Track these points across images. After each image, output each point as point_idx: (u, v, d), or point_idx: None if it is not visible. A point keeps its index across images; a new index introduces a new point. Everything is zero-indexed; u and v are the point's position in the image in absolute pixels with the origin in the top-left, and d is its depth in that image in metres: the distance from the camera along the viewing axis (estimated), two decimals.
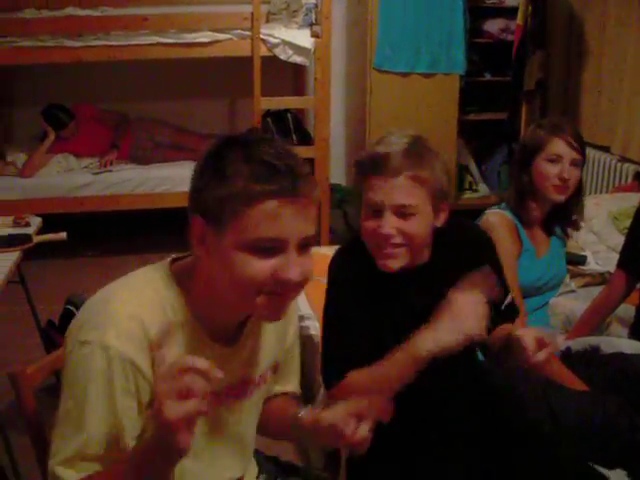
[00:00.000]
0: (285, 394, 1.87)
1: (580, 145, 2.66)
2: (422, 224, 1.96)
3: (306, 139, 5.89)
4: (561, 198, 2.67)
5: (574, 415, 2.29)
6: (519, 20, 5.56)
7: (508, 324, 2.13)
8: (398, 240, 1.95)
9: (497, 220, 2.65)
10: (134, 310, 1.42)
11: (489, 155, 6.53)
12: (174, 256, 1.57)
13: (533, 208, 2.76)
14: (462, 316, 1.74)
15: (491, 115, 6.29)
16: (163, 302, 1.46)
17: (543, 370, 1.82)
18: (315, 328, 3.05)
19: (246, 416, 1.68)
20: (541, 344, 1.76)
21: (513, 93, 5.80)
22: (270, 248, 1.39)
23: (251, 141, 1.42)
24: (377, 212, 1.96)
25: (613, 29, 5.35)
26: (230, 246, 1.39)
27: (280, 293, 1.44)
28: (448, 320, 1.75)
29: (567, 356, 2.69)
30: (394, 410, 1.61)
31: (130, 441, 1.41)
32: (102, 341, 1.37)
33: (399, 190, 1.92)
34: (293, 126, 5.85)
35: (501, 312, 2.16)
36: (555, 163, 2.64)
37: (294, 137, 5.85)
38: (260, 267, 1.39)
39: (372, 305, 1.99)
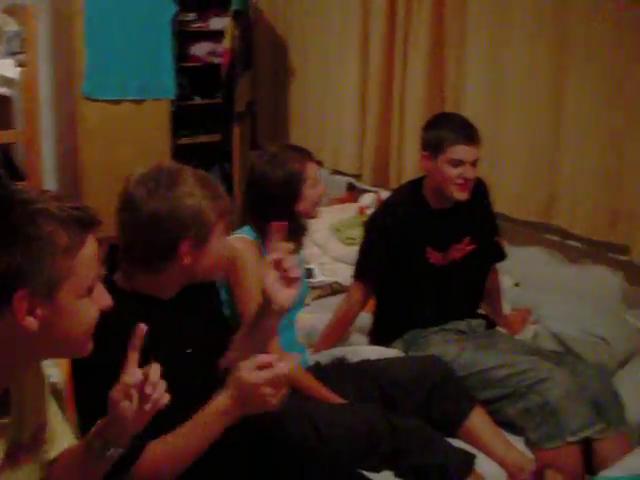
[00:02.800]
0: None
1: None
2: None
3: (17, 174, 5.60)
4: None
5: (337, 427, 2.37)
6: (226, 43, 5.65)
7: None
8: None
9: (243, 246, 2.63)
10: None
11: None
12: None
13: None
14: (250, 401, 1.72)
15: (204, 138, 6.34)
16: None
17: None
18: (57, 375, 2.91)
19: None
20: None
21: (225, 115, 5.89)
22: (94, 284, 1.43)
23: (31, 198, 1.38)
24: None
25: (314, 53, 5.59)
26: (69, 299, 1.38)
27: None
28: (240, 404, 1.73)
29: (317, 370, 2.78)
30: None
31: None
32: None
33: None
34: (2, 161, 5.55)
35: None
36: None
37: (2, 173, 5.55)
38: (92, 306, 1.43)
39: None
